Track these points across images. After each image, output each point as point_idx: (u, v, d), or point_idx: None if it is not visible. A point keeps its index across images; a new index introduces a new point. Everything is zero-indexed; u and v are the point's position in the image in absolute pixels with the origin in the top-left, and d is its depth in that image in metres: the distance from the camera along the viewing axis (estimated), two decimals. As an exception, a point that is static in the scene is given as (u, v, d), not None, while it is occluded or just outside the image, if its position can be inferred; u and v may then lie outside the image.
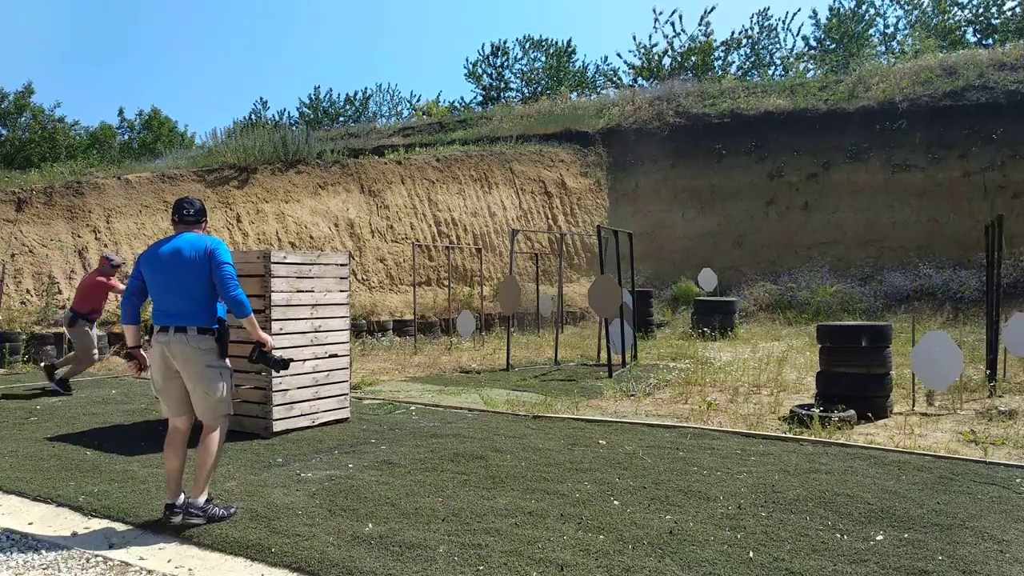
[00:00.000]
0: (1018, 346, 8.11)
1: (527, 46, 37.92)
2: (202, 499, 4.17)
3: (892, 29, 32.67)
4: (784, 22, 47.75)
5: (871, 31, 32.81)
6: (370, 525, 4.05)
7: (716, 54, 33.43)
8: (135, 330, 4.39)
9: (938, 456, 5.50)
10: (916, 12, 32.17)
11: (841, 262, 19.25)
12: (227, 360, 4.34)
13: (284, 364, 4.48)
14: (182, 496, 4.18)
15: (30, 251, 13.27)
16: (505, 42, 38.06)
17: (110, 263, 8.89)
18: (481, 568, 3.50)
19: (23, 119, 31.69)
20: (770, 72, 32.34)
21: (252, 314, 4.34)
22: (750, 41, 33.75)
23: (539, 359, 12.48)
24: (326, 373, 6.83)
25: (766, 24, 33.81)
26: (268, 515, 4.24)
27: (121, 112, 40.09)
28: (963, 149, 19.56)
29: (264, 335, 4.44)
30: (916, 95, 20.86)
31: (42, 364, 9.51)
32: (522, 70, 38.16)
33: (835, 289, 17.84)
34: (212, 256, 4.22)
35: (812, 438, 6.10)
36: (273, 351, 4.56)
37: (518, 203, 20.68)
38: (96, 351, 9.14)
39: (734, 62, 33.75)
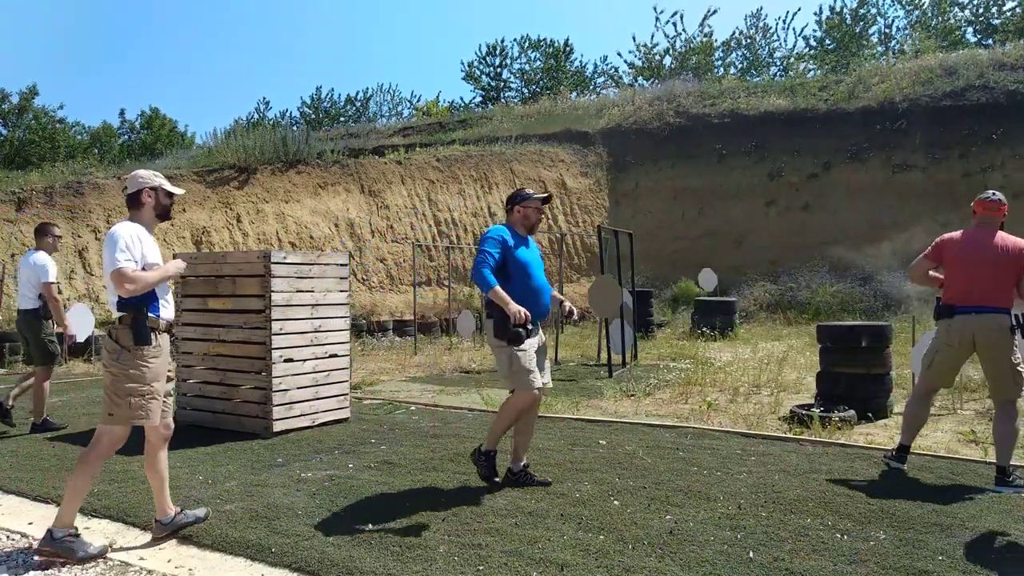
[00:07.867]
0: (1018, 345, 8.08)
1: (525, 46, 37.88)
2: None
3: (892, 29, 32.68)
4: (784, 21, 47.86)
5: (871, 31, 32.81)
6: (370, 525, 4.05)
7: (716, 55, 33.43)
8: None
9: (938, 456, 5.50)
10: (916, 12, 32.16)
11: (841, 262, 19.23)
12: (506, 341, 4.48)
13: (518, 338, 4.40)
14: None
15: (30, 251, 13.27)
16: (502, 41, 38.00)
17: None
18: (481, 568, 3.49)
19: (25, 119, 31.66)
20: (770, 72, 32.35)
21: (493, 286, 4.45)
22: (748, 41, 33.77)
23: (539, 359, 12.46)
24: (326, 373, 6.83)
25: (761, 25, 33.84)
26: (268, 515, 4.23)
27: (123, 113, 40.17)
28: (963, 149, 19.55)
29: (511, 308, 4.36)
30: (916, 95, 20.85)
31: None
32: (521, 70, 38.12)
33: (835, 289, 17.82)
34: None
35: (812, 438, 6.09)
36: (515, 324, 4.37)
37: (518, 203, 20.67)
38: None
39: (733, 63, 33.76)
